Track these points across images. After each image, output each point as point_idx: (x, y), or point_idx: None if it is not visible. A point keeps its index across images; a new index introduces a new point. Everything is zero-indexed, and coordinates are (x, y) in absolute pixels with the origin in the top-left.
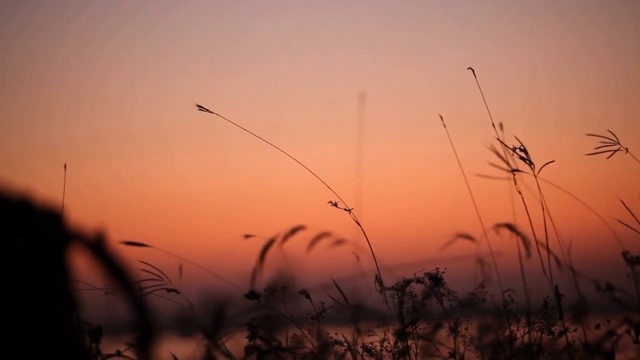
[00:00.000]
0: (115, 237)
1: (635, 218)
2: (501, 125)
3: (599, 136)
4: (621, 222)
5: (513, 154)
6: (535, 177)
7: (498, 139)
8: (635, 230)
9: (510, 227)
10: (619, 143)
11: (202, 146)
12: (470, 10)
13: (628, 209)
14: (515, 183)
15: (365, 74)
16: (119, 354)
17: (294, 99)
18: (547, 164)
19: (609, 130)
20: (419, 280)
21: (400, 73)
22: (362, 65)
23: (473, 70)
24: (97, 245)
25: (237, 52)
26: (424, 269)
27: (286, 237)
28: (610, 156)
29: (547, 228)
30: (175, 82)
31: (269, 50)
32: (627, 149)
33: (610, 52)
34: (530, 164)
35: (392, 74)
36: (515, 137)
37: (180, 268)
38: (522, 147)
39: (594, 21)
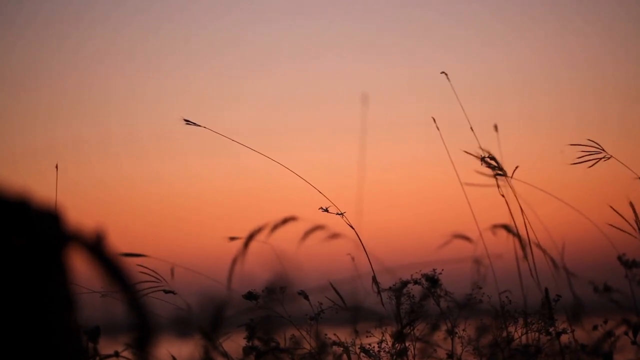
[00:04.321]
0: (115, 238)
1: (627, 221)
2: (495, 127)
3: (581, 145)
4: (613, 225)
5: (482, 164)
6: (510, 179)
7: (465, 151)
8: (627, 233)
9: (507, 228)
10: (603, 150)
11: (199, 148)
12: (465, 13)
13: (618, 214)
14: (499, 187)
15: (361, 77)
16: (117, 354)
17: (295, 102)
18: (515, 169)
19: (589, 140)
20: (416, 282)
21: (394, 76)
22: (359, 68)
23: (447, 75)
24: (96, 246)
25: (240, 54)
26: (420, 270)
27: (276, 226)
28: (592, 165)
29: (534, 229)
30: (179, 82)
31: (270, 53)
32: (610, 156)
33: (605, 53)
34: (501, 170)
35: (387, 76)
36: (481, 148)
37: (172, 271)
38: (490, 156)
39: (590, 20)
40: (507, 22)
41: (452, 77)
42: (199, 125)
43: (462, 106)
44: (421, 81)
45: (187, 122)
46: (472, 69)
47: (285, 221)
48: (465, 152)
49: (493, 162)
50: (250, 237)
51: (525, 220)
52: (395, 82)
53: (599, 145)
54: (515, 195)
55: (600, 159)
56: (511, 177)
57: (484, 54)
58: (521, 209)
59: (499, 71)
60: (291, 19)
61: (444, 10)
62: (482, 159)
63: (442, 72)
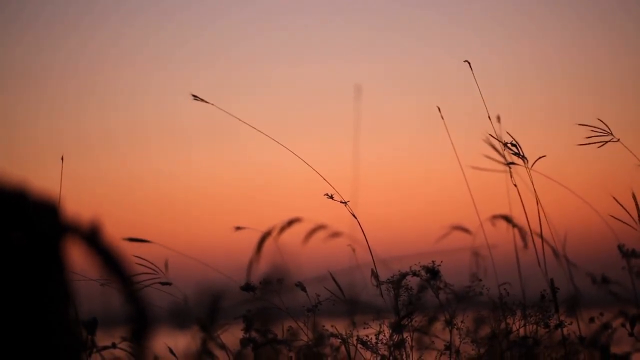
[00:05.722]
0: (115, 230)
1: (629, 213)
2: (498, 118)
3: (590, 126)
4: (615, 217)
5: (505, 149)
6: (528, 170)
7: (490, 135)
8: (628, 224)
9: (507, 219)
10: (611, 133)
11: (200, 140)
12: (463, 9)
13: (621, 205)
14: (511, 176)
15: (361, 69)
16: (114, 346)
17: (292, 94)
18: (539, 158)
19: (599, 119)
20: (415, 273)
21: (395, 68)
22: (359, 60)
23: (469, 63)
24: (93, 238)
25: (241, 52)
26: (420, 262)
27: (283, 229)
28: (601, 146)
29: (542, 220)
30: (183, 77)
31: (269, 52)
32: (618, 139)
33: (602, 45)
34: (523, 158)
35: (387, 69)
36: (507, 133)
37: (166, 262)
38: (514, 142)
39: (584, 15)
40: (500, 16)
41: (450, 71)
42: (207, 102)
43: (481, 95)
44: (419, 74)
45: (195, 98)
46: (466, 63)
47: (290, 223)
48: (490, 135)
49: (515, 149)
50: (263, 240)
51: (539, 209)
52: (394, 74)
53: (607, 127)
54: (532, 184)
55: (608, 141)
56: (531, 166)
57: (478, 49)
58: (537, 198)
59: (494, 64)
60: (289, 18)
61: (438, 8)
62: (505, 145)
63: (465, 61)
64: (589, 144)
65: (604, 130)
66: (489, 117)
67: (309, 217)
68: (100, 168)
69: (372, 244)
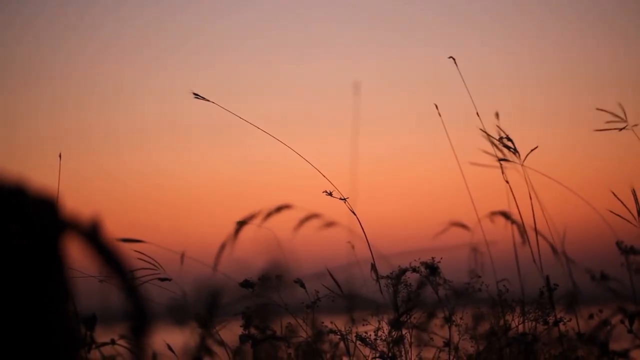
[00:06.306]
0: (115, 227)
1: (627, 208)
2: (497, 115)
3: (608, 112)
4: (613, 212)
5: (499, 144)
6: (522, 165)
7: (481, 129)
8: (627, 220)
9: (505, 215)
10: (625, 120)
11: (200, 138)
12: (462, 8)
13: (620, 201)
14: (503, 172)
15: (359, 66)
16: (113, 342)
17: (291, 92)
18: (532, 150)
19: (619, 104)
20: (414, 270)
21: (392, 65)
22: (358, 59)
23: (454, 59)
24: (92, 234)
25: (241, 50)
26: (419, 258)
27: (270, 214)
28: (620, 130)
29: (536, 216)
30: (183, 74)
31: (271, 50)
32: (634, 126)
33: (602, 45)
34: (516, 152)
35: (384, 66)
36: (498, 127)
37: (182, 257)
38: (507, 137)
39: (584, 15)
40: (499, 16)
41: (446, 70)
42: (208, 100)
43: (468, 91)
44: (417, 71)
45: (196, 96)
46: (463, 61)
47: (279, 209)
48: (482, 130)
49: (510, 143)
50: (242, 224)
51: (532, 205)
52: (392, 72)
53: (624, 114)
54: (525, 180)
55: (624, 127)
56: (523, 161)
57: (477, 48)
58: (530, 194)
59: (490, 62)
60: (289, 18)
61: (437, 7)
62: (500, 139)
63: (450, 57)
64: (607, 129)
65: (620, 118)
66: (477, 113)
67: (304, 208)
68: (101, 166)
69: (370, 240)
